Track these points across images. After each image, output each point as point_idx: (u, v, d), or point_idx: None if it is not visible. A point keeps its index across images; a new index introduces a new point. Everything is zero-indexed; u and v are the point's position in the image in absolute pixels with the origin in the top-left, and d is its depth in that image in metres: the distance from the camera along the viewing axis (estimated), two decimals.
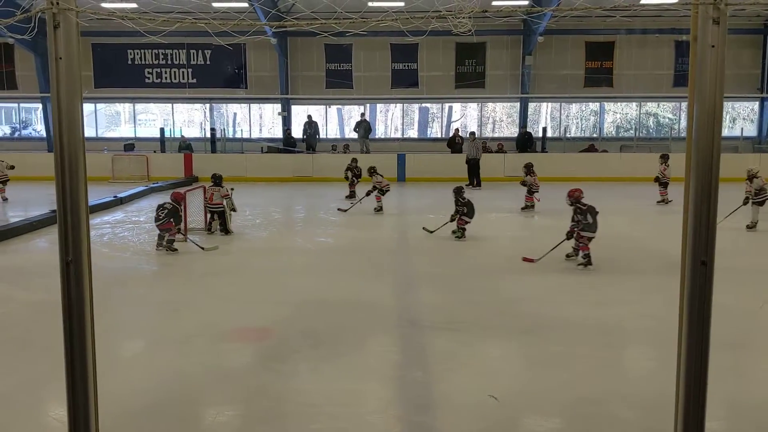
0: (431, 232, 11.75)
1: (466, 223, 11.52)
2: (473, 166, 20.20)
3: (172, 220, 10.50)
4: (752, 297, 7.71)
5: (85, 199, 1.78)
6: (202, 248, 10.43)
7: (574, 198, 9.56)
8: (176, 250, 10.42)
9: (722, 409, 4.92)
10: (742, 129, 25.82)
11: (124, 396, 5.00)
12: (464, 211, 11.42)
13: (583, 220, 9.16)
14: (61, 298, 1.77)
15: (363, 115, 25.15)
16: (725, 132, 26.54)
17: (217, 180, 12.10)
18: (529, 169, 15.15)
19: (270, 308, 7.47)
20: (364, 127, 24.33)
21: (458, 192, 11.51)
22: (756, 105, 26.07)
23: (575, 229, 9.29)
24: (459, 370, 5.64)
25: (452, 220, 11.34)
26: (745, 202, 12.14)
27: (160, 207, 10.61)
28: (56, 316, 6.51)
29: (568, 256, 9.67)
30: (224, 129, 26.11)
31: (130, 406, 4.89)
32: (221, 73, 25.81)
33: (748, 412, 4.89)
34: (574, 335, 6.53)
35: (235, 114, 27.91)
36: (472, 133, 21.59)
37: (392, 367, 5.80)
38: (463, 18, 2.12)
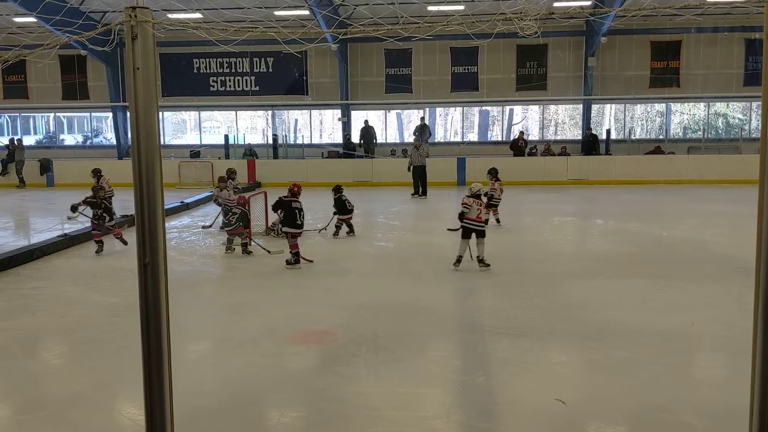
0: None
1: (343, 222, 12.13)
2: (419, 174, 18.87)
3: (242, 224, 10.76)
4: None
5: (162, 203, 1.86)
6: (268, 251, 10.61)
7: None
8: (251, 252, 10.68)
9: None
10: None
11: (190, 396, 5.12)
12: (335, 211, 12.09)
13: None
14: (139, 299, 1.85)
15: (423, 119, 25.17)
16: None
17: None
18: (493, 175, 13.22)
19: (331, 312, 7.54)
20: (425, 131, 24.36)
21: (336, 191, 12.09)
22: None
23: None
24: (522, 376, 5.58)
25: None
26: None
27: (230, 212, 10.84)
28: (129, 317, 6.76)
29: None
30: (286, 135, 26.54)
31: (197, 406, 5.01)
32: (283, 80, 26.26)
33: None
34: (639, 341, 6.38)
35: (296, 120, 28.34)
36: (417, 139, 20.67)
37: (454, 371, 5.79)
38: (529, 20, 2.11)
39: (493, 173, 13.15)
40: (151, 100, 1.80)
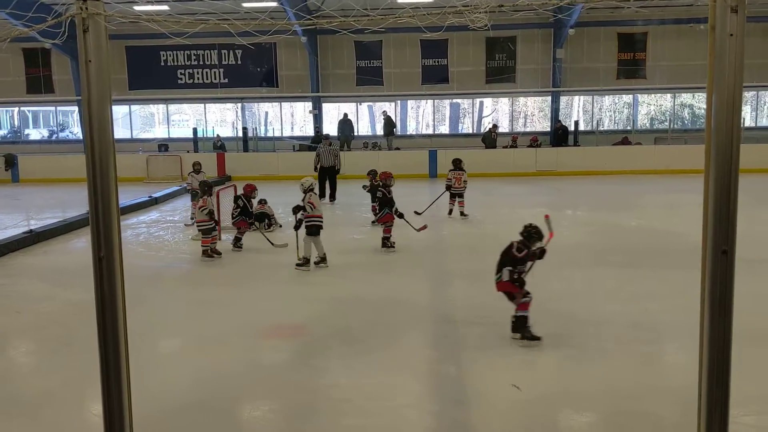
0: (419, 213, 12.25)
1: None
2: (329, 176, 16.22)
3: (244, 217, 10.56)
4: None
5: (116, 197, 1.85)
6: (273, 244, 10.44)
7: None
8: (240, 248, 10.52)
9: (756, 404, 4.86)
10: None
11: (161, 393, 5.10)
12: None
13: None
14: (95, 294, 1.84)
15: (385, 112, 25.16)
16: (763, 121, 25.98)
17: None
18: (456, 165, 13.10)
19: (304, 306, 7.55)
20: (389, 124, 24.37)
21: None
22: None
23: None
24: (493, 366, 5.64)
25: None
26: None
27: (235, 203, 10.65)
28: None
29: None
30: (256, 128, 26.36)
31: (167, 403, 4.99)
32: (252, 72, 26.06)
33: None
34: (607, 330, 6.48)
35: (266, 113, 28.17)
36: (326, 136, 17.90)
37: (426, 362, 5.83)
38: (480, 13, 2.13)
39: (454, 164, 13.17)
40: (104, 94, 1.79)
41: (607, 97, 26.86)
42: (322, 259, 9.25)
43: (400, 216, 10.32)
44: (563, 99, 26.18)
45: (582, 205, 15.71)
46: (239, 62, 25.98)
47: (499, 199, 16.20)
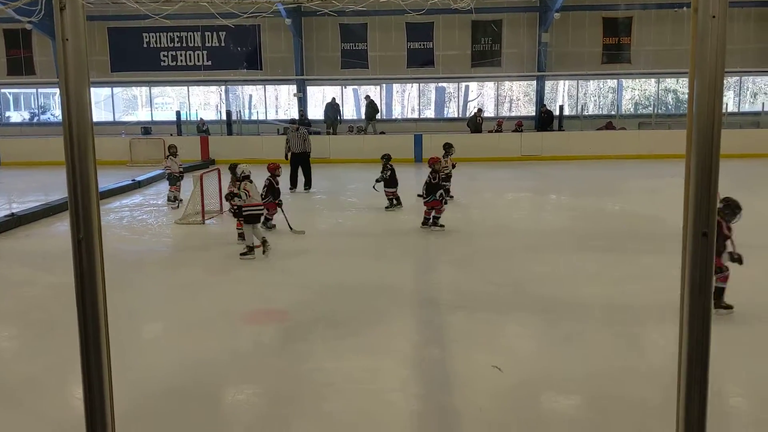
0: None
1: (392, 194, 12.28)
2: (301, 162, 15.43)
3: (271, 197, 10.26)
4: None
5: (95, 176, 1.83)
6: (291, 229, 10.31)
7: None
8: (274, 226, 10.43)
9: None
10: (763, 104, 25.42)
11: (143, 378, 5.10)
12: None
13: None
14: (74, 276, 1.82)
15: (368, 96, 25.08)
16: (746, 107, 26.16)
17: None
18: (447, 150, 13.16)
19: (289, 291, 7.54)
20: (372, 108, 24.28)
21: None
22: None
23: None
24: (477, 349, 5.68)
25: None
26: None
27: (265, 184, 10.29)
28: None
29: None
30: (240, 111, 26.18)
31: (149, 388, 4.99)
32: (236, 54, 25.82)
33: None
34: (590, 313, 6.54)
35: (250, 96, 27.96)
36: (293, 121, 16.95)
37: (411, 346, 5.86)
38: None
39: (444, 148, 13.25)
40: (82, 73, 1.76)
41: (591, 81, 26.90)
42: (250, 249, 8.99)
43: (444, 201, 10.45)
44: (548, 83, 26.18)
45: (566, 189, 15.78)
46: (223, 44, 25.73)
47: (484, 184, 16.22)
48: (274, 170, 10.47)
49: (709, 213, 1.62)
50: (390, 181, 12.28)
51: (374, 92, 25.94)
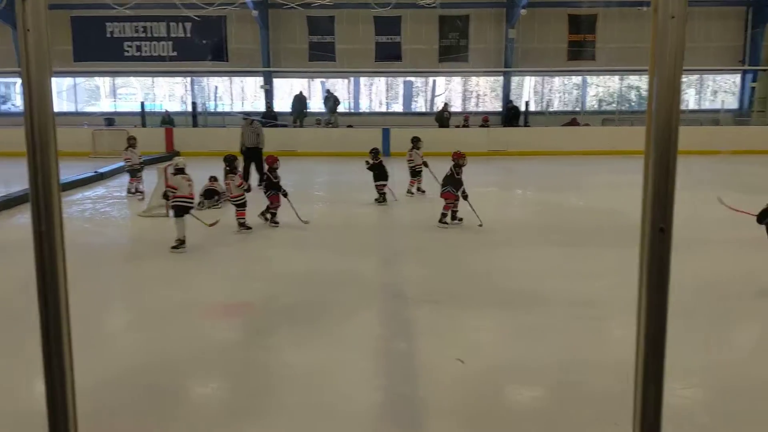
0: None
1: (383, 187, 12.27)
2: (253, 158, 14.91)
3: (274, 191, 10.24)
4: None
5: (56, 167, 1.81)
6: (299, 218, 10.35)
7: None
8: (277, 224, 10.33)
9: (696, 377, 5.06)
10: (723, 102, 26.00)
11: (105, 371, 5.03)
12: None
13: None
14: (35, 268, 1.80)
15: (328, 90, 25.04)
16: (706, 104, 26.72)
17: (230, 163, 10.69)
18: (415, 144, 13.38)
19: (254, 284, 7.51)
20: (332, 101, 24.25)
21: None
22: (737, 78, 26.22)
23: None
24: (441, 342, 5.72)
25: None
26: None
27: (261, 179, 10.38)
28: None
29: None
30: (206, 103, 25.90)
31: (112, 381, 4.93)
32: (202, 46, 25.50)
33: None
34: (552, 306, 6.64)
35: (216, 87, 27.67)
36: (247, 115, 16.11)
37: (376, 339, 5.88)
38: None
39: (412, 141, 13.39)
40: (43, 64, 1.73)
41: (557, 78, 27.20)
42: (181, 243, 8.89)
43: (465, 197, 10.32)
44: (514, 79, 26.41)
45: (531, 185, 15.96)
46: (188, 35, 25.40)
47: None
48: (272, 163, 10.43)
49: (666, 209, 1.66)
50: (380, 174, 12.29)
51: (342, 85, 25.89)
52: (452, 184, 10.30)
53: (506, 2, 24.69)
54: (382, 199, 12.35)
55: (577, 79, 27.15)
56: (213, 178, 12.32)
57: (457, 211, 10.41)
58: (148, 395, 4.78)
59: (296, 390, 4.81)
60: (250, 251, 9.03)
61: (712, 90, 27.18)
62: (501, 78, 26.00)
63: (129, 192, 13.22)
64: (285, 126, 23.51)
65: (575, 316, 6.39)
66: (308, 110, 24.98)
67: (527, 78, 27.02)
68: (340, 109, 25.15)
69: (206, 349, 5.64)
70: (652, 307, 1.69)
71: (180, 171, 9.03)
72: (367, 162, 12.27)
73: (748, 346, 6.13)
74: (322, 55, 25.38)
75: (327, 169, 16.98)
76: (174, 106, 26.28)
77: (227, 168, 10.53)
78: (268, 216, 10.37)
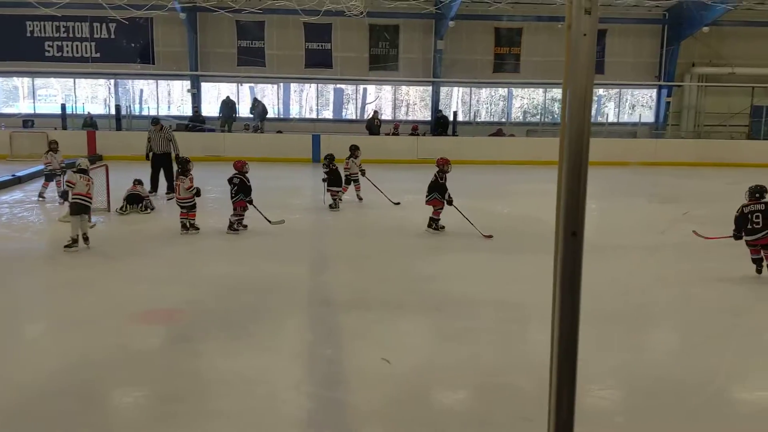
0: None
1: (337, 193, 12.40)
2: (163, 165, 14.03)
3: (242, 196, 10.06)
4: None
5: None
6: (269, 221, 10.31)
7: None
8: (245, 226, 10.24)
9: (612, 378, 5.29)
10: (640, 115, 27.14)
11: (26, 379, 4.89)
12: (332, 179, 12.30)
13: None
14: None
15: (255, 99, 24.93)
16: (625, 118, 27.81)
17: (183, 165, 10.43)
18: (353, 152, 13.68)
19: (181, 289, 7.40)
20: (260, 108, 24.11)
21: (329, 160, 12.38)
22: (654, 92, 27.38)
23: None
24: (369, 347, 5.80)
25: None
26: None
27: (230, 182, 10.12)
28: None
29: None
30: (130, 106, 25.23)
31: (32, 389, 4.79)
32: (127, 48, 24.83)
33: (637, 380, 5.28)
34: (478, 311, 6.82)
35: (141, 90, 26.99)
36: (156, 120, 14.76)
37: (304, 345, 5.90)
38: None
39: (351, 150, 13.69)
40: None
41: (484, 89, 27.74)
42: (74, 241, 8.81)
43: (450, 202, 10.38)
44: (443, 89, 26.81)
45: (459, 193, 16.09)
46: (113, 36, 24.68)
47: (381, 186, 16.43)
48: (241, 167, 10.33)
49: (578, 214, 1.78)
50: (334, 180, 12.34)
51: (271, 91, 25.69)
52: (438, 190, 10.44)
53: (435, 13, 25.03)
54: (335, 204, 12.36)
55: (503, 91, 27.79)
56: (138, 182, 12.05)
57: (438, 218, 10.54)
58: (67, 402, 4.66)
59: (224, 395, 4.78)
60: (180, 257, 8.89)
61: (630, 104, 28.30)
62: (430, 88, 26.36)
63: (41, 196, 12.81)
64: (213, 131, 23.14)
65: (501, 319, 6.59)
66: (237, 115, 24.66)
67: (455, 88, 27.48)
68: (270, 115, 24.94)
69: (129, 355, 5.53)
70: (565, 306, 1.79)
71: (82, 171, 9.05)
72: (324, 173, 12.41)
73: (661, 348, 6.46)
74: (251, 60, 25.11)
75: (256, 174, 16.72)
76: (97, 109, 25.45)
77: (179, 169, 10.40)
78: (237, 225, 10.23)
